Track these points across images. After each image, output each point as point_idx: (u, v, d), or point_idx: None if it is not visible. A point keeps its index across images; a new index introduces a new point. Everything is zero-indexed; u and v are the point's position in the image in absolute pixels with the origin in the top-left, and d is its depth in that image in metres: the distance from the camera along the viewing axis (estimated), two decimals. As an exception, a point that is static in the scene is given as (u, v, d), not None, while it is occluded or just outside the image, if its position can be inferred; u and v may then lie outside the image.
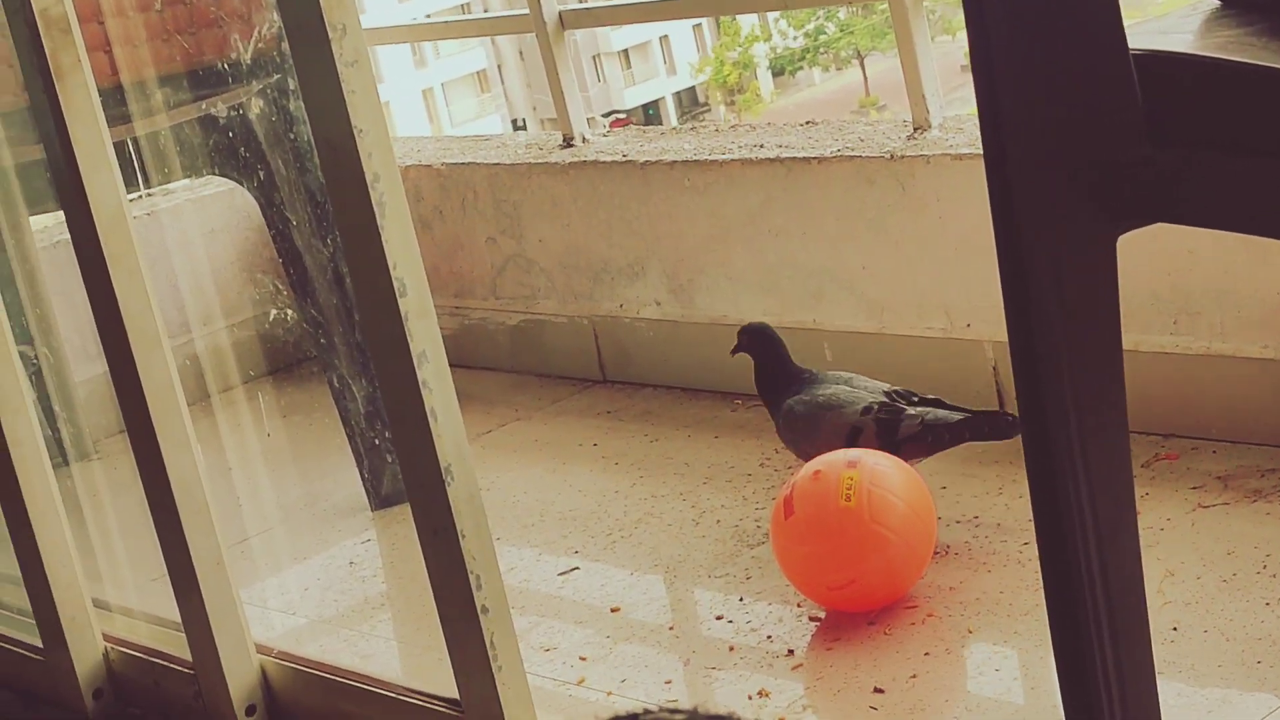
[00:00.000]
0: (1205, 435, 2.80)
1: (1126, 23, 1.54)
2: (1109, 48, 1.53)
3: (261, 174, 3.00)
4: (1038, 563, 1.66)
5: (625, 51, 27.51)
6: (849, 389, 2.79)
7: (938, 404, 2.73)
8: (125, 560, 3.16)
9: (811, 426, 2.79)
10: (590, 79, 26.35)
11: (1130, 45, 1.53)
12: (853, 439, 2.71)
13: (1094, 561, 1.66)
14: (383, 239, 2.00)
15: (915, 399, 2.75)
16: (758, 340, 2.92)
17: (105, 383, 2.55)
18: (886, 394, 2.76)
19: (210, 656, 2.50)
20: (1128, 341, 2.40)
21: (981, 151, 1.57)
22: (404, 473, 2.13)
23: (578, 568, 2.89)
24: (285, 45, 2.79)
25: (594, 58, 27.15)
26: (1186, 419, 2.82)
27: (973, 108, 1.73)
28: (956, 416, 2.70)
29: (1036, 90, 1.55)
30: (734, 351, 2.96)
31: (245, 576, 3.04)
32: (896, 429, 2.70)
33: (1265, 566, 2.42)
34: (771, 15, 26.19)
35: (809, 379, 2.84)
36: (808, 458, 2.69)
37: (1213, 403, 2.79)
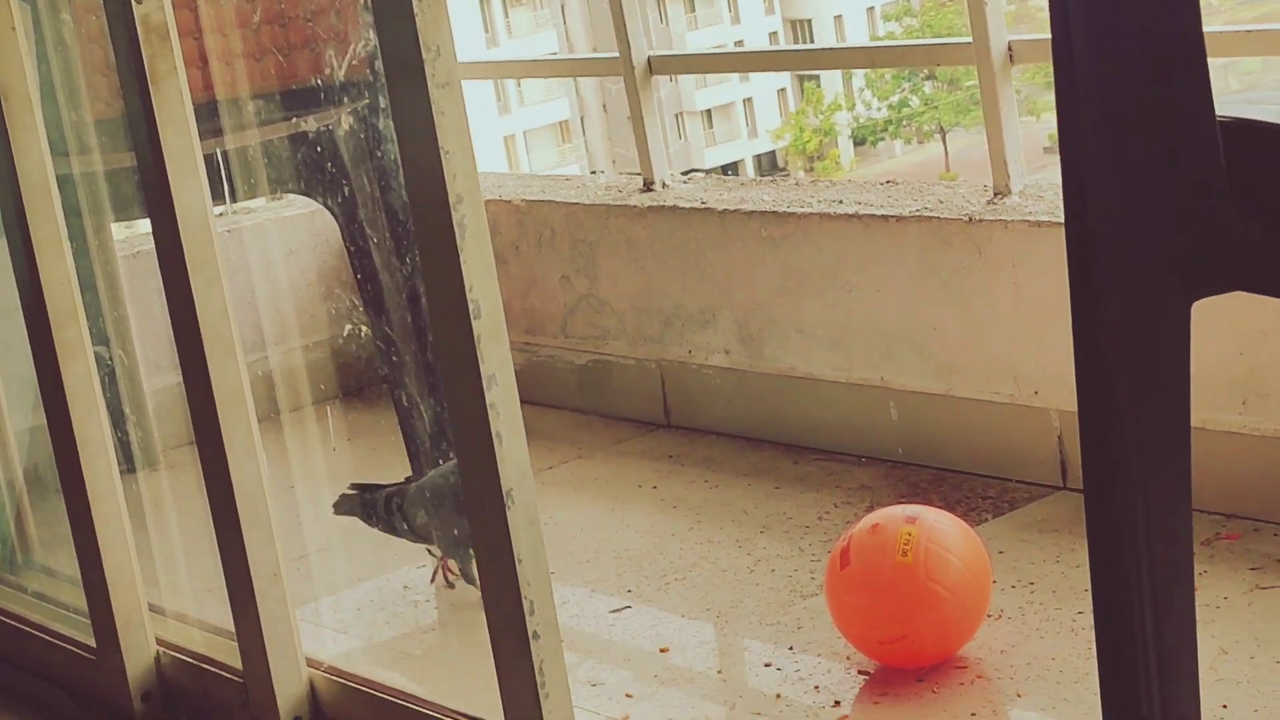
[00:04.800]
0: (1268, 517, 2.79)
1: (1215, 91, 1.55)
2: (1196, 113, 1.54)
3: (345, 190, 3.03)
4: (1091, 631, 1.65)
5: (708, 111, 27.61)
6: None
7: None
8: (183, 569, 3.19)
9: None
10: (672, 135, 26.46)
11: (1218, 113, 1.54)
12: None
13: (1148, 633, 1.65)
14: (461, 260, 2.02)
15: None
16: None
17: (176, 394, 2.58)
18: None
19: (260, 667, 2.51)
20: (1196, 419, 2.39)
21: (1060, 220, 1.58)
22: (466, 494, 2.14)
23: (630, 607, 2.89)
24: (378, 64, 2.83)
25: (677, 115, 27.25)
26: (1250, 500, 2.80)
27: (1052, 181, 1.74)
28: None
29: (1121, 152, 1.56)
30: None
31: (301, 593, 3.06)
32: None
33: (1321, 651, 2.41)
34: (856, 85, 26.22)
35: None
36: None
37: (1277, 485, 2.77)
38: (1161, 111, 1.54)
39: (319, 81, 3.01)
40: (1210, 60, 1.57)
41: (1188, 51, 1.53)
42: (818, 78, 26.40)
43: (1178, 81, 1.54)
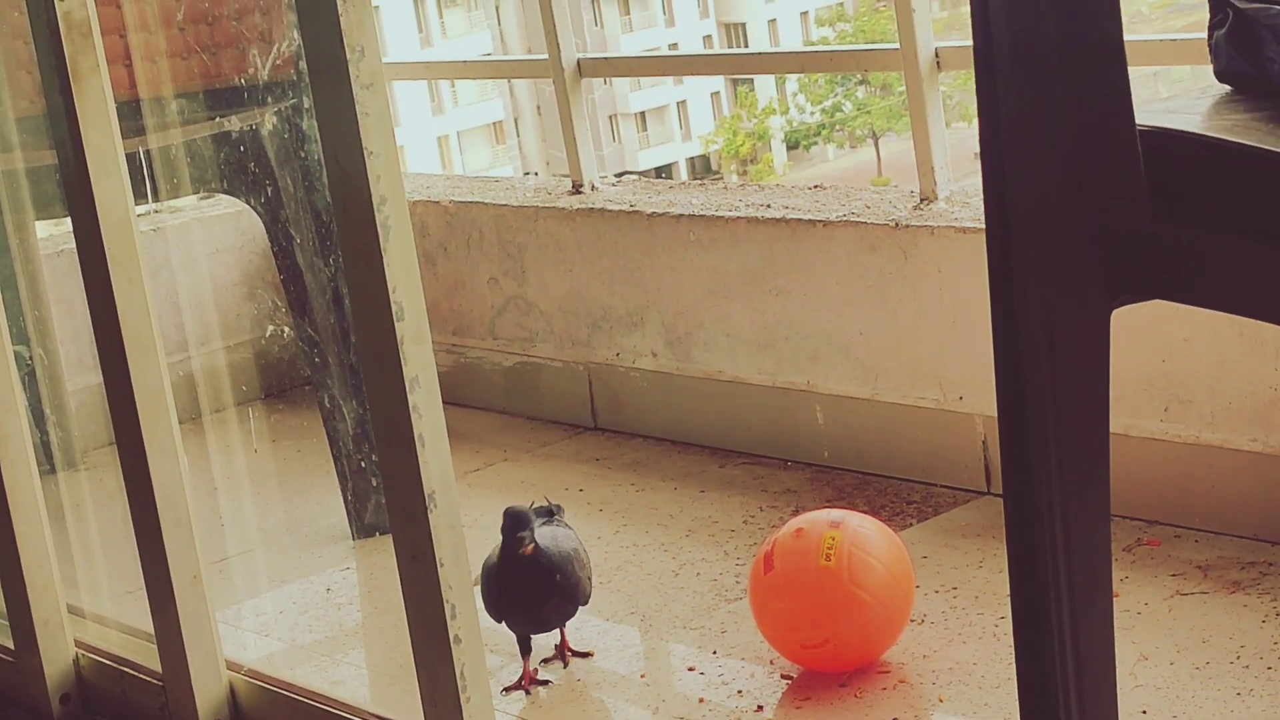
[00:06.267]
0: (1189, 524, 2.80)
1: (1135, 100, 1.56)
2: (1116, 121, 1.54)
3: (269, 189, 3.01)
4: (1012, 637, 1.66)
5: (642, 114, 27.64)
6: None
7: None
8: (103, 571, 3.16)
9: None
10: (605, 138, 26.45)
11: (1138, 121, 1.54)
12: None
13: (1066, 638, 1.66)
14: (384, 261, 2.01)
15: None
16: None
17: (97, 394, 2.55)
18: None
19: (180, 669, 2.49)
20: (1118, 426, 2.41)
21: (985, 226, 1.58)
22: (387, 497, 2.13)
23: (554, 610, 2.88)
24: (303, 64, 2.81)
25: (610, 117, 27.26)
26: (1171, 506, 2.82)
27: (980, 187, 1.74)
28: None
29: (1042, 157, 1.57)
30: None
31: (222, 596, 3.04)
32: None
33: (1239, 657, 2.42)
34: (790, 89, 26.32)
35: None
36: None
37: (1198, 492, 2.79)
38: (1081, 120, 1.55)
39: (243, 81, 2.99)
40: (1140, 68, 1.58)
41: (1108, 60, 1.53)
42: (751, 81, 26.44)
43: (1097, 90, 1.54)
